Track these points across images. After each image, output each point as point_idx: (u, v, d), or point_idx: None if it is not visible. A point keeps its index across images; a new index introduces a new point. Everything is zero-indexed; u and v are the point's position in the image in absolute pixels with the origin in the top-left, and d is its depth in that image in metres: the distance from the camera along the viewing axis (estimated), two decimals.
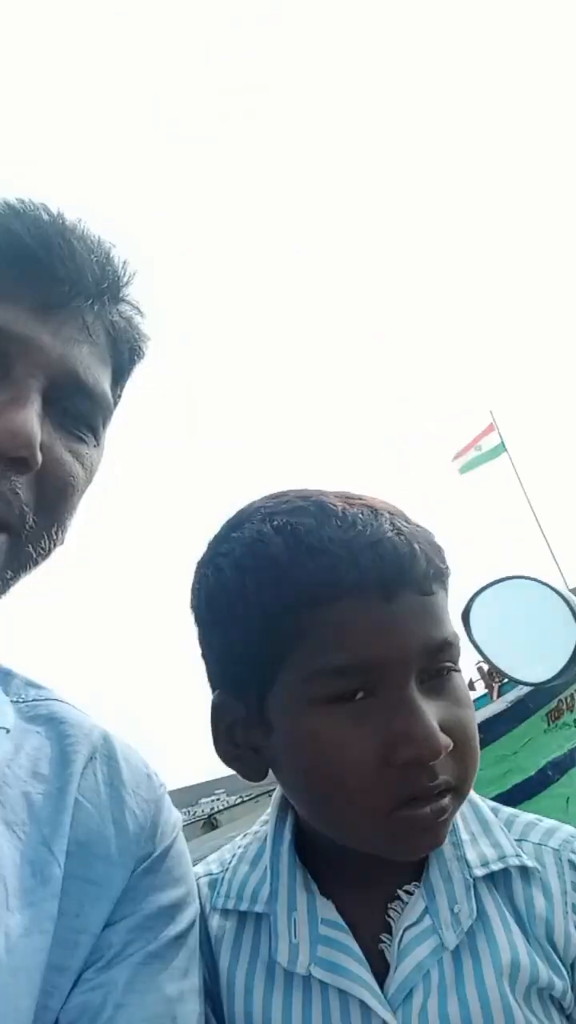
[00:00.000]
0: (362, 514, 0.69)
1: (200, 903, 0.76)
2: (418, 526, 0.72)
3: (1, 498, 0.61)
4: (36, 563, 0.69)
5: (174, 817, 0.77)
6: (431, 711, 0.65)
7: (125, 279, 0.73)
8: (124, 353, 0.75)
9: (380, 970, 0.68)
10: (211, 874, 0.82)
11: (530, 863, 0.72)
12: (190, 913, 0.71)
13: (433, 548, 0.71)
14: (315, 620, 0.67)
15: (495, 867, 0.71)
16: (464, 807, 0.75)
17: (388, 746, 0.64)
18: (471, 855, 0.72)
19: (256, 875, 0.77)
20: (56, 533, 0.69)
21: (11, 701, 0.73)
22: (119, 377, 0.76)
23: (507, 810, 0.79)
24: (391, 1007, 0.66)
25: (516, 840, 0.75)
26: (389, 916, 0.71)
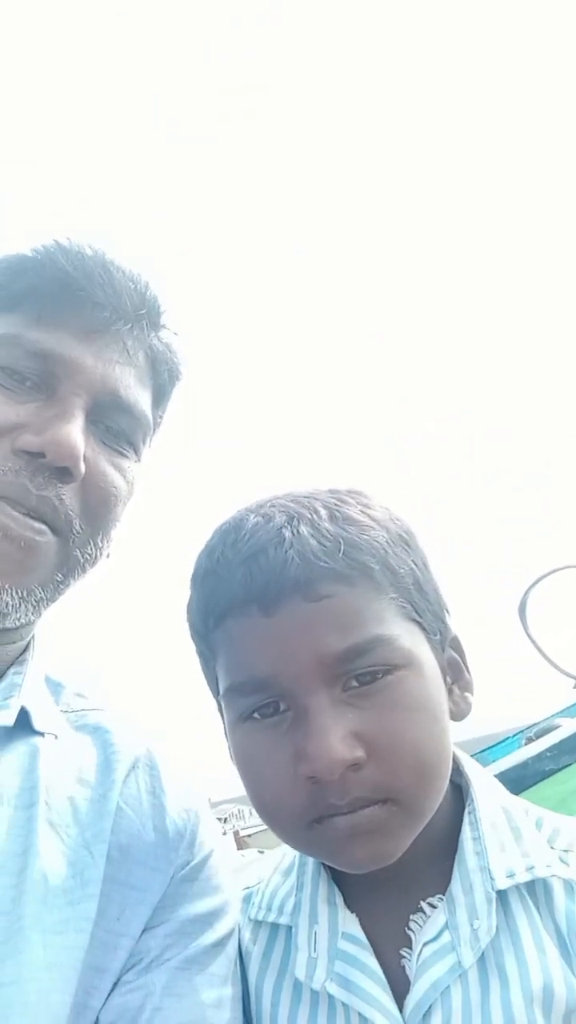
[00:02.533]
0: (259, 524, 0.67)
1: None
2: (343, 522, 0.67)
3: (47, 503, 0.68)
4: (83, 569, 0.75)
5: (215, 828, 0.79)
6: (345, 722, 0.61)
7: (163, 307, 0.79)
8: (164, 375, 0.81)
9: (402, 987, 0.65)
10: (248, 887, 0.81)
11: (569, 875, 0.66)
12: (228, 922, 0.72)
13: (338, 546, 0.65)
14: (217, 640, 0.69)
15: (522, 878, 0.66)
16: (496, 814, 0.71)
17: (296, 761, 0.62)
18: (496, 866, 0.67)
19: (286, 886, 0.76)
20: (101, 541, 0.75)
21: (61, 711, 0.78)
22: (160, 398, 0.82)
23: (558, 819, 0.73)
24: None
25: (564, 850, 0.69)
26: (410, 929, 0.68)
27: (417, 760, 0.63)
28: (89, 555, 0.74)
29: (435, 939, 0.65)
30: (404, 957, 0.66)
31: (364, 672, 0.63)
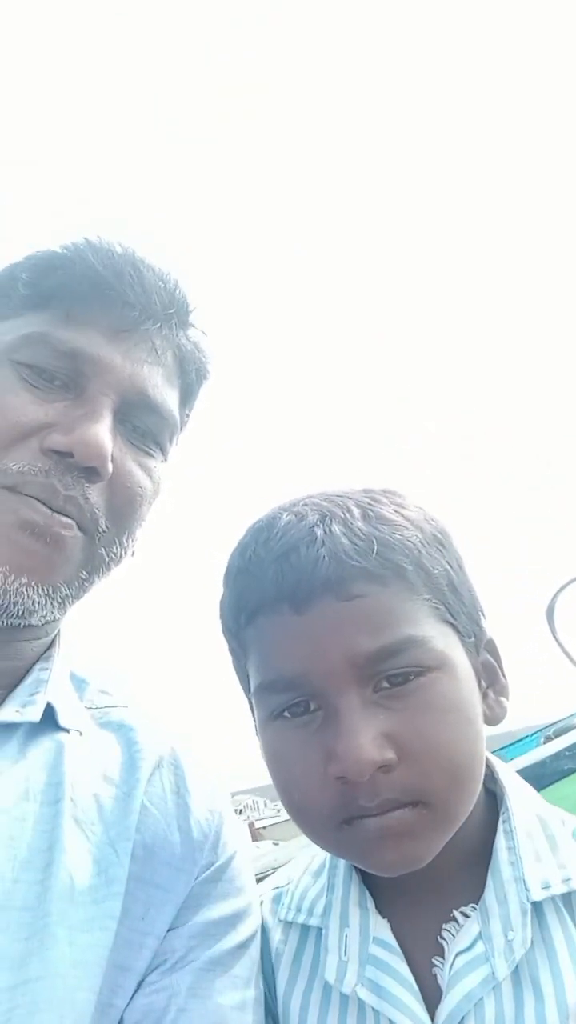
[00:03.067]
0: (291, 523, 0.67)
1: (264, 917, 0.77)
2: (376, 522, 0.67)
3: (74, 502, 0.68)
4: (108, 568, 0.75)
5: (239, 829, 0.79)
6: (376, 723, 0.61)
7: (192, 305, 0.79)
8: (191, 374, 0.81)
9: (434, 996, 0.64)
10: (277, 887, 0.81)
11: None
12: (251, 924, 0.72)
13: (371, 545, 0.64)
14: (248, 638, 0.69)
15: (558, 890, 0.64)
16: (531, 823, 0.69)
17: (326, 761, 0.62)
18: (532, 876, 0.65)
19: (317, 887, 0.76)
20: (127, 540, 0.76)
21: (85, 707, 0.78)
22: (187, 397, 0.82)
23: None
24: None
25: None
26: (442, 938, 0.66)
27: (449, 763, 0.62)
28: (115, 554, 0.75)
29: (468, 949, 0.64)
30: (436, 966, 0.65)
31: (396, 673, 0.63)
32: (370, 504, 0.69)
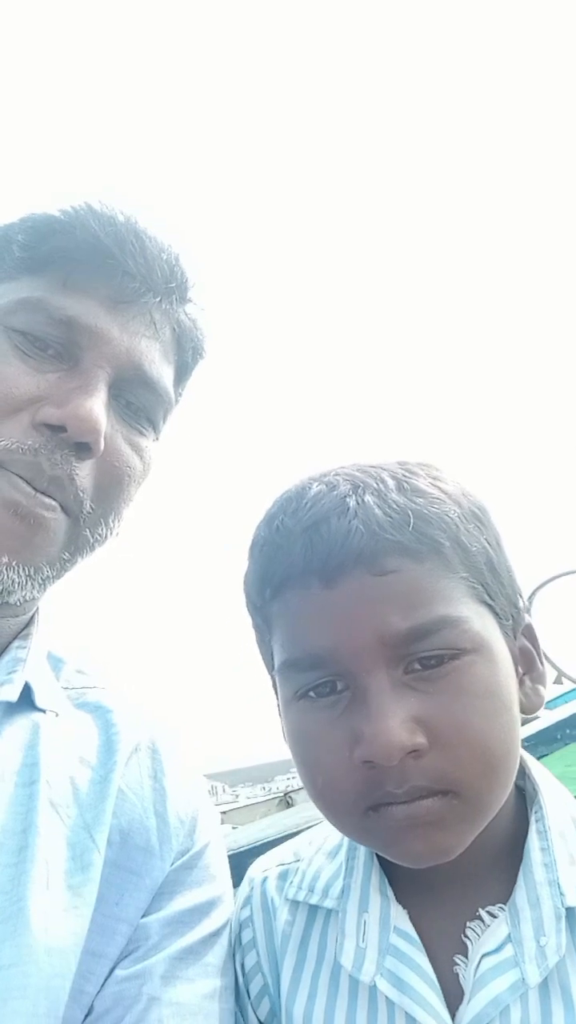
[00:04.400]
0: (321, 492, 0.64)
1: (268, 893, 0.74)
2: (412, 494, 0.63)
3: (58, 483, 0.66)
4: (92, 548, 0.73)
5: (215, 815, 0.78)
6: (407, 705, 0.58)
7: (193, 280, 0.76)
8: (188, 352, 0.79)
9: (454, 995, 0.60)
10: (283, 863, 0.77)
11: None
12: (224, 912, 0.72)
13: (406, 518, 0.61)
14: (273, 613, 0.66)
15: None
16: (565, 824, 0.66)
17: (352, 744, 0.59)
18: (567, 880, 0.61)
19: (332, 868, 0.72)
20: (112, 521, 0.73)
21: (61, 687, 0.76)
22: (182, 375, 0.79)
23: None
24: None
25: None
26: (466, 936, 0.62)
27: (483, 751, 0.59)
28: (99, 535, 0.72)
29: (496, 951, 0.60)
30: (458, 964, 0.61)
31: (429, 655, 0.59)
32: (405, 476, 0.65)
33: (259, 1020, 0.71)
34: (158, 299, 0.72)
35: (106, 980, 0.62)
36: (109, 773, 0.70)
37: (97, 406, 0.66)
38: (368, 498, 0.62)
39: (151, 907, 0.67)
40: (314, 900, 0.70)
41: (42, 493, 0.65)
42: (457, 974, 0.61)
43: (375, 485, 0.63)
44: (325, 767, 0.61)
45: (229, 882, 0.75)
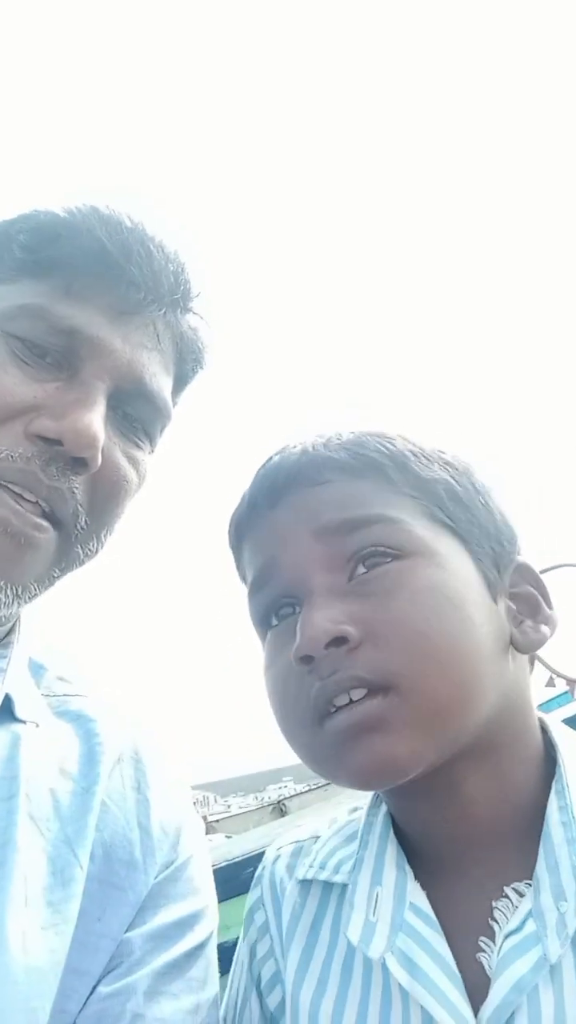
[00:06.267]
0: (293, 441, 0.68)
1: (278, 874, 0.72)
2: (363, 434, 0.65)
3: (60, 495, 0.64)
4: (81, 563, 0.71)
5: (199, 826, 0.76)
6: (344, 605, 0.57)
7: (197, 290, 0.74)
8: (188, 363, 0.77)
9: (481, 986, 0.54)
10: (298, 841, 0.74)
11: None
12: (208, 924, 0.70)
13: (344, 442, 0.64)
14: (243, 555, 0.69)
15: None
16: None
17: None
18: None
19: (347, 849, 0.68)
20: (104, 536, 0.71)
21: (42, 695, 0.74)
22: (180, 386, 0.78)
23: None
24: None
25: None
26: (493, 919, 0.56)
27: (421, 642, 0.56)
28: (90, 550, 0.71)
29: (518, 929, 0.54)
30: (482, 950, 0.55)
31: (369, 554, 0.59)
32: (365, 429, 0.67)
33: (270, 1011, 0.69)
34: (162, 311, 0.70)
35: (89, 998, 0.61)
36: (92, 785, 0.68)
37: (96, 420, 0.64)
38: (316, 439, 0.66)
39: (134, 921, 0.65)
40: (324, 876, 0.66)
41: (34, 513, 0.63)
42: (482, 962, 0.55)
43: (330, 433, 0.67)
44: (279, 684, 0.62)
45: (213, 894, 0.74)
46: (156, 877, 0.68)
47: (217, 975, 0.70)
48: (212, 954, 0.70)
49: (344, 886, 0.65)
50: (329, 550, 0.60)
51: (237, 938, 0.76)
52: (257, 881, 0.74)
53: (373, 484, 0.62)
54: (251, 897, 0.74)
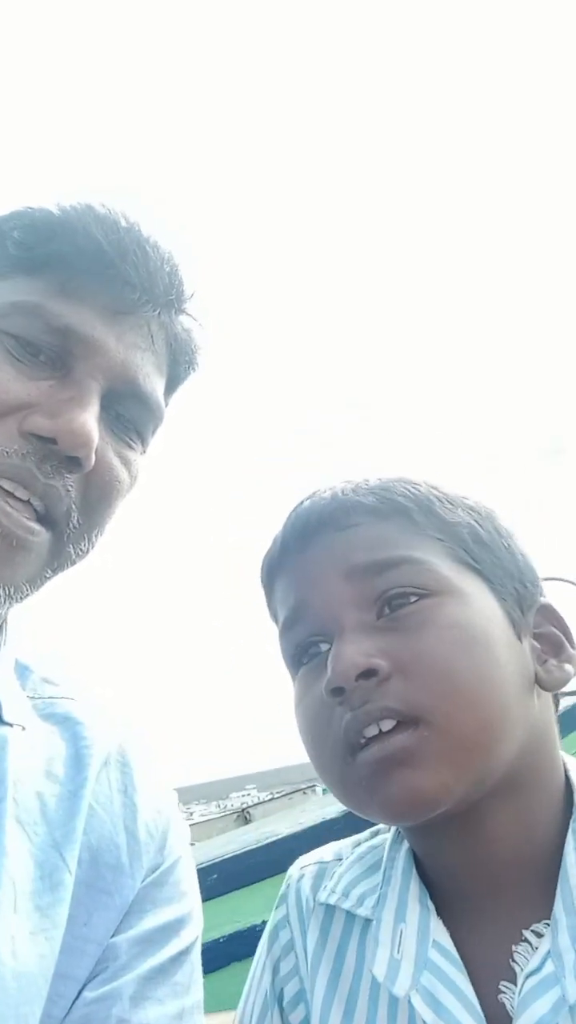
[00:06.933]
0: (323, 487, 0.71)
1: (300, 893, 0.73)
2: (389, 480, 0.69)
3: (54, 493, 0.64)
4: (73, 563, 0.71)
5: (185, 830, 0.76)
6: (372, 640, 0.59)
7: (191, 290, 0.74)
8: (181, 365, 0.77)
9: None
10: (322, 862, 0.74)
11: None
12: (194, 929, 0.70)
13: (371, 488, 0.68)
14: (273, 595, 0.72)
15: None
16: None
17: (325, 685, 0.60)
18: None
19: (369, 882, 0.68)
20: (95, 536, 0.71)
21: (28, 697, 0.74)
22: (172, 387, 0.78)
23: None
24: None
25: None
26: (513, 960, 0.58)
27: (449, 677, 0.57)
28: (81, 550, 0.70)
29: (538, 970, 0.55)
30: (503, 992, 0.57)
31: (396, 594, 0.61)
32: (395, 476, 0.70)
33: None
34: (157, 311, 0.70)
35: (74, 1003, 0.60)
36: (79, 789, 0.67)
37: (90, 420, 0.64)
38: (345, 484, 0.69)
39: (120, 926, 0.65)
40: (347, 905, 0.67)
41: (25, 516, 0.63)
42: (503, 1003, 0.56)
43: (358, 480, 0.70)
44: (312, 722, 0.63)
45: (198, 898, 0.74)
46: (142, 881, 0.68)
47: (201, 979, 0.70)
48: (197, 959, 0.70)
49: (367, 920, 0.66)
50: (358, 590, 0.62)
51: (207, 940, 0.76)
52: (282, 900, 0.75)
53: (399, 527, 0.64)
54: (276, 915, 0.75)
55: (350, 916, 0.68)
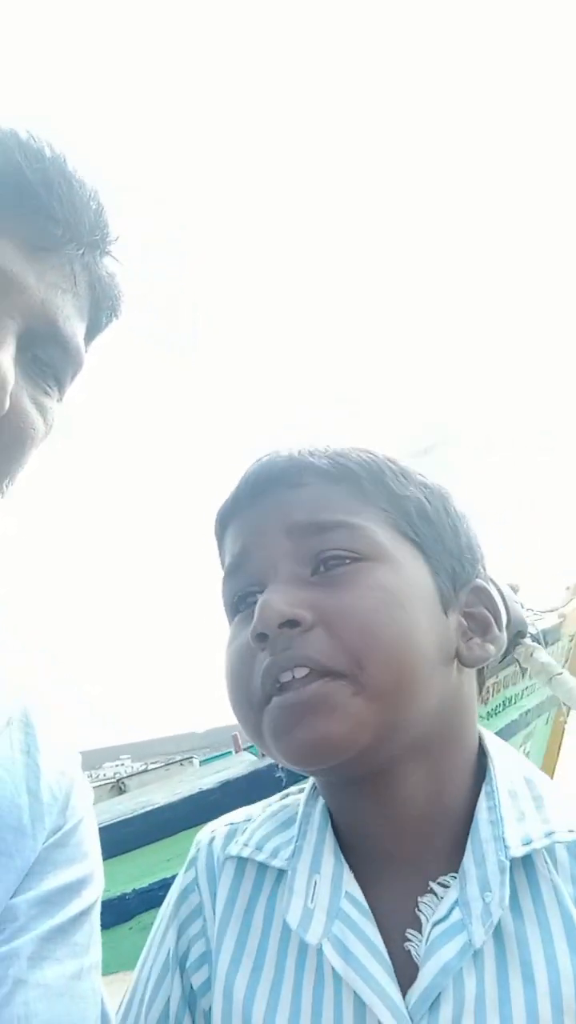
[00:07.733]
0: (278, 451, 0.72)
1: (212, 854, 0.73)
2: (348, 448, 0.70)
3: None
4: None
5: (88, 792, 0.76)
6: (300, 592, 0.61)
7: (116, 234, 0.70)
8: (103, 310, 0.73)
9: (409, 975, 0.58)
10: (232, 823, 0.76)
11: None
12: (95, 889, 0.70)
13: (326, 451, 0.69)
14: (224, 544, 0.73)
15: (539, 844, 0.59)
16: (518, 784, 0.65)
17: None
18: (512, 834, 0.60)
19: (283, 836, 0.70)
20: (6, 486, 0.66)
21: None
22: (92, 333, 0.74)
23: None
24: (412, 1019, 0.56)
25: None
26: (419, 911, 0.61)
27: (368, 632, 0.59)
28: None
29: (445, 918, 0.58)
30: (409, 940, 0.60)
31: (332, 556, 0.63)
32: (357, 445, 0.72)
33: (192, 989, 0.70)
34: (81, 251, 0.65)
35: None
36: None
37: (6, 361, 0.59)
38: (304, 446, 0.71)
39: (20, 887, 0.63)
40: (260, 857, 0.69)
41: None
42: (410, 951, 0.59)
43: (318, 443, 0.71)
44: (234, 660, 0.65)
45: (100, 858, 0.73)
46: (44, 842, 0.67)
47: (100, 939, 0.70)
48: (96, 919, 0.69)
49: (279, 871, 0.68)
50: (297, 547, 0.64)
51: None
52: (191, 863, 0.75)
53: (347, 492, 0.66)
54: (185, 878, 0.74)
55: (262, 869, 0.70)
